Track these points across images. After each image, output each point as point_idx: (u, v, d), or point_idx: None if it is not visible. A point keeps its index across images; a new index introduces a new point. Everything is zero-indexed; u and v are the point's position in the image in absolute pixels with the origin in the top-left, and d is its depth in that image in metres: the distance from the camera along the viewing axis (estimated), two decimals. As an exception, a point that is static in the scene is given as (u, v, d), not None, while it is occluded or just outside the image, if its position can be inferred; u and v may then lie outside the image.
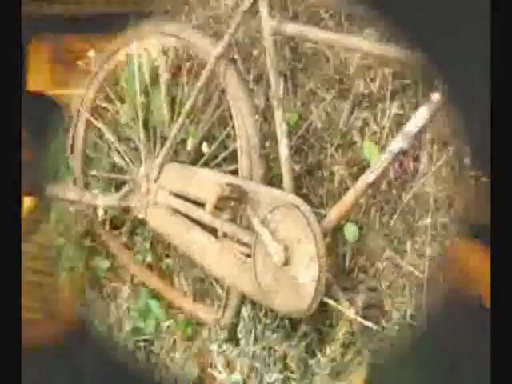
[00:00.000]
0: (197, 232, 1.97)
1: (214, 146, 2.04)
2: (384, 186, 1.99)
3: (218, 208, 1.84)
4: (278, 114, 1.82)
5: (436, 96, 1.63)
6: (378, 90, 2.02)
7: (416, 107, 1.71)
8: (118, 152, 2.18)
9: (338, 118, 2.05)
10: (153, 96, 2.10)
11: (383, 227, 1.99)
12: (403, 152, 1.69)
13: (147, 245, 2.18)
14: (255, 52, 2.06)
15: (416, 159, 1.96)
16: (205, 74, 1.95)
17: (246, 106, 1.91)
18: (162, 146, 2.07)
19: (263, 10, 1.83)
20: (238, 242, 1.87)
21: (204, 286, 2.13)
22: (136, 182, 2.11)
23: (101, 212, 2.11)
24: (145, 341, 2.11)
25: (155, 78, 2.07)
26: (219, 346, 1.93)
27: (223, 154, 2.03)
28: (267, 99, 2.04)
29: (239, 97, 1.92)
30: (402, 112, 2.00)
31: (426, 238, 1.91)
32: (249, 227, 1.83)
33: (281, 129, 1.82)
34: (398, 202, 1.97)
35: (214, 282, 2.11)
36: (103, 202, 2.16)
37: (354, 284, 1.97)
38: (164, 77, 2.04)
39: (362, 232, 1.96)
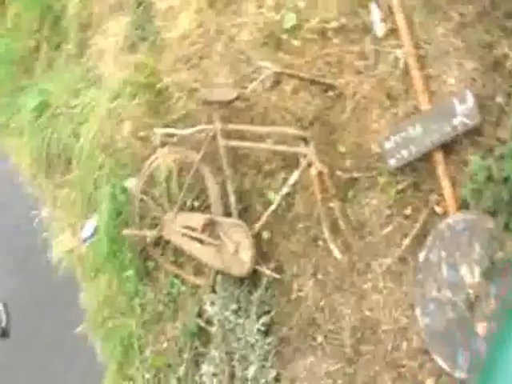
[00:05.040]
0: (194, 242, 4.19)
1: (200, 202, 4.30)
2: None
3: (204, 229, 4.07)
4: (230, 188, 4.04)
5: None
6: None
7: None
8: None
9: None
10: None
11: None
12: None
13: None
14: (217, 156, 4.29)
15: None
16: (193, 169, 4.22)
17: (214, 184, 4.15)
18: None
19: (219, 135, 4.08)
20: (214, 245, 4.08)
21: (200, 268, 4.35)
22: (164, 221, 4.38)
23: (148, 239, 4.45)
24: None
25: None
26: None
27: (204, 205, 4.29)
28: (224, 180, 4.23)
29: (210, 180, 4.17)
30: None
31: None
32: (219, 237, 4.05)
33: (231, 194, 4.03)
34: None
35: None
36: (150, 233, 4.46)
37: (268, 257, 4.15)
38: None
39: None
